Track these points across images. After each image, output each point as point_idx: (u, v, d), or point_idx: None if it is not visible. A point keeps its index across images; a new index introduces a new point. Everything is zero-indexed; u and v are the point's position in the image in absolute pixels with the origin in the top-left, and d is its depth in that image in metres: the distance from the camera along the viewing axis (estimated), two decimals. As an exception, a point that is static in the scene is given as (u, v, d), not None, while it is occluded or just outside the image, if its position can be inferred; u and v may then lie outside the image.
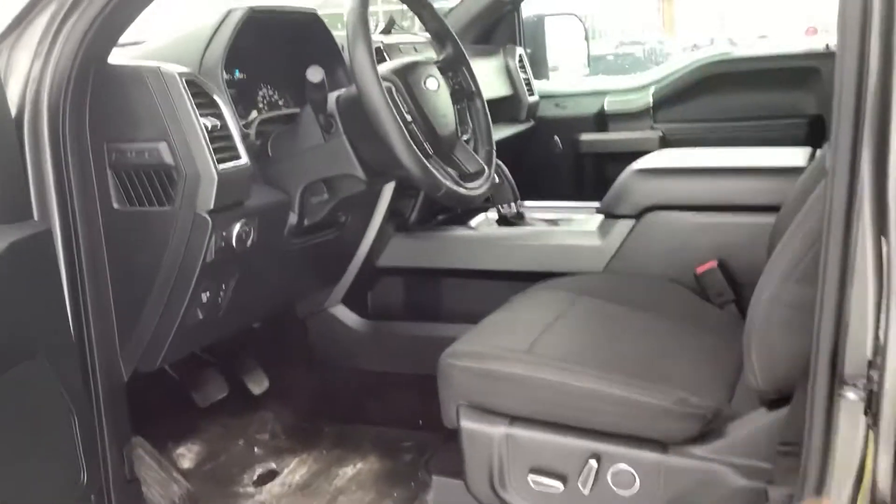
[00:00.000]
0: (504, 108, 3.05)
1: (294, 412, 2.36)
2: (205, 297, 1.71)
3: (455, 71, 1.95)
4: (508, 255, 2.24)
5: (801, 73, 2.90)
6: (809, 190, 1.67)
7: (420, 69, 1.79)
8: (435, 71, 1.83)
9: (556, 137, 3.17)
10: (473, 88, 1.96)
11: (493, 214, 2.42)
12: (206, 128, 1.58)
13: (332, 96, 1.76)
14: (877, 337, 1.10)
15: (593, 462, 1.50)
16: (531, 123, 3.16)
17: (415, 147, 1.64)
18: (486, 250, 2.26)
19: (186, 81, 1.58)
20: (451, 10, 3.18)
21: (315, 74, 1.65)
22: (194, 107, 1.57)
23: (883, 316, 1.09)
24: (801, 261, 1.30)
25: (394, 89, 1.72)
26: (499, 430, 1.58)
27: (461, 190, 1.75)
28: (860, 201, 1.10)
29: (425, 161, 1.65)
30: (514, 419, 1.58)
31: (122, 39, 1.90)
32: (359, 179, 1.78)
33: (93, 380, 1.60)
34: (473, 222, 2.41)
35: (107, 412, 1.64)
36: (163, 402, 2.14)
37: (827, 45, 2.81)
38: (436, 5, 1.92)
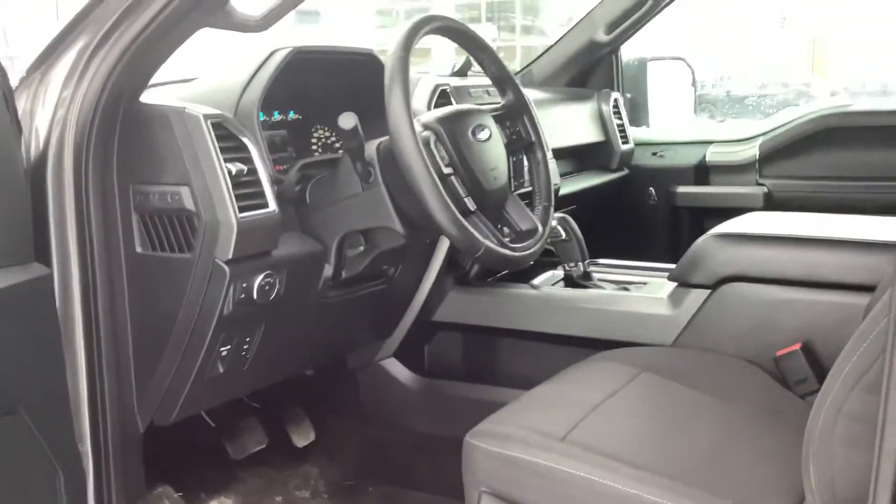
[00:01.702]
0: (595, 156, 2.90)
1: (339, 469, 2.25)
2: (224, 350, 1.61)
3: (514, 119, 1.80)
4: (571, 319, 2.05)
5: None
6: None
7: (469, 118, 1.65)
8: (487, 119, 1.69)
9: (651, 189, 2.97)
10: (534, 139, 1.81)
11: (559, 272, 2.25)
12: (230, 173, 1.50)
13: (373, 144, 1.65)
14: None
15: (623, 576, 1.30)
16: (624, 172, 2.98)
17: (449, 202, 1.50)
18: (547, 312, 2.09)
19: (212, 124, 1.50)
20: (547, 50, 3.05)
21: (347, 121, 1.55)
22: (218, 151, 1.49)
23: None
24: (871, 365, 1.09)
25: (433, 139, 1.59)
26: (522, 526, 1.41)
27: (504, 251, 1.59)
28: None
29: (461, 218, 1.51)
30: (541, 516, 1.40)
31: (177, 76, 1.89)
32: (397, 233, 1.66)
33: (103, 431, 1.54)
34: (537, 280, 2.24)
35: (116, 465, 1.56)
36: (200, 448, 2.07)
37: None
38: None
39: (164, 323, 1.57)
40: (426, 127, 1.61)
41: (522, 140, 1.80)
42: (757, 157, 2.82)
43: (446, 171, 1.58)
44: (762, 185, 2.80)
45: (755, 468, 1.41)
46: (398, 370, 2.21)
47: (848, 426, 1.12)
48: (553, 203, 1.80)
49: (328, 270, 1.73)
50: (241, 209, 1.50)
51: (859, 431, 1.10)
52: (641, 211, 2.96)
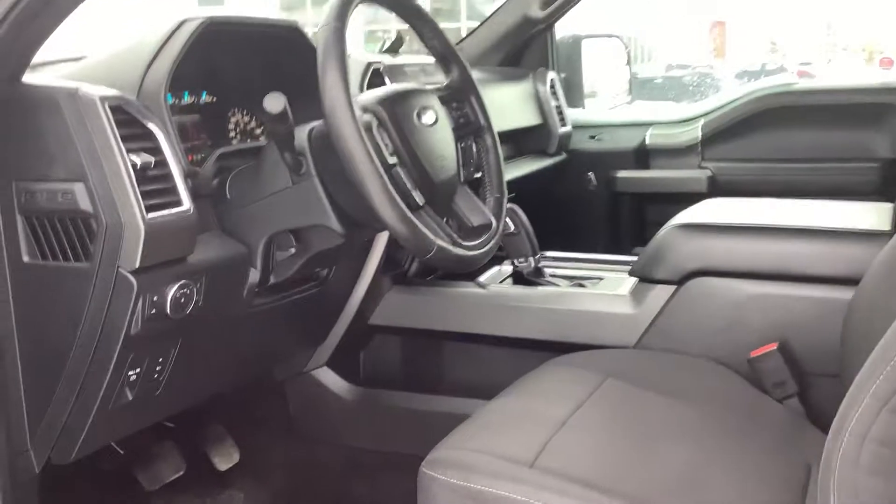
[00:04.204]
0: (532, 140, 2.73)
1: (268, 492, 2.03)
2: (133, 374, 1.38)
3: (461, 101, 1.61)
4: (523, 321, 1.88)
5: (875, 109, 2.53)
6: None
7: (413, 99, 1.45)
8: (433, 101, 1.49)
9: (591, 174, 2.83)
10: (483, 122, 1.62)
11: (507, 268, 2.07)
12: (135, 165, 1.26)
13: (304, 130, 1.43)
14: None
15: None
16: (563, 157, 2.82)
17: (397, 198, 1.29)
18: (495, 313, 1.91)
19: (110, 107, 1.26)
20: (477, 27, 2.86)
21: (274, 103, 1.32)
22: (119, 139, 1.25)
23: None
24: None
25: (376, 124, 1.38)
26: (491, 569, 1.22)
27: (458, 251, 1.40)
28: None
29: (410, 215, 1.31)
30: (511, 556, 1.22)
31: (62, 54, 1.63)
32: (334, 232, 1.45)
33: None
34: (483, 277, 2.06)
35: None
36: (107, 481, 1.83)
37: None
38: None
39: (60, 345, 1.33)
40: (366, 110, 1.40)
41: (471, 124, 1.61)
42: (699, 138, 2.71)
43: (391, 160, 1.37)
44: (705, 168, 2.69)
45: (740, 484, 1.27)
46: (331, 380, 2.00)
47: (876, 453, 0.97)
48: (506, 194, 1.62)
49: (254, 276, 1.51)
50: (149, 208, 1.26)
51: (892, 458, 0.96)
52: (581, 197, 2.82)
